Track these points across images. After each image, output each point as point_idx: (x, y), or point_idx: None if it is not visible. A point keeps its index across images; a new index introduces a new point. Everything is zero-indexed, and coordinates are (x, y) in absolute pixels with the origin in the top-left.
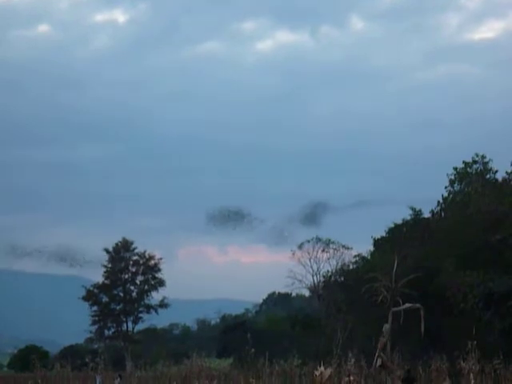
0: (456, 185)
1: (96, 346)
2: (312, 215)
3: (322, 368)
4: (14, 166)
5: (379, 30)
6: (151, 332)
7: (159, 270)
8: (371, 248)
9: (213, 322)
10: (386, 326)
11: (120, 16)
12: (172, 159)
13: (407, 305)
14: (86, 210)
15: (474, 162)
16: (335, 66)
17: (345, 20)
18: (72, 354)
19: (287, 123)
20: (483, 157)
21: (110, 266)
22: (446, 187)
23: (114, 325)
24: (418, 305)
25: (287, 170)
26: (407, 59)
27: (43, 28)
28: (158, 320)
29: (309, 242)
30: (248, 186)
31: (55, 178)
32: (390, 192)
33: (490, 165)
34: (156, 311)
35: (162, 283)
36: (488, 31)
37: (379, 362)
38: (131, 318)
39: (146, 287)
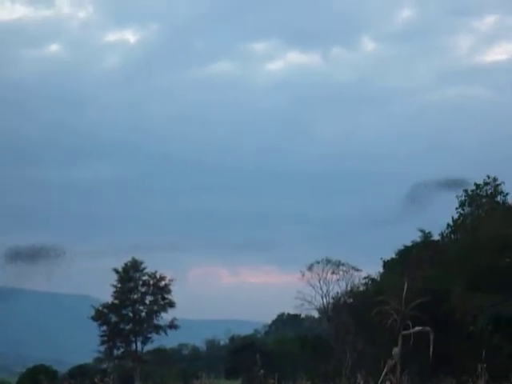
0: (466, 207)
1: (105, 366)
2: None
3: None
4: (23, 186)
5: (390, 51)
6: (160, 352)
7: (169, 291)
8: (381, 269)
9: (222, 343)
10: (396, 350)
11: (131, 36)
12: (180, 179)
13: (417, 328)
14: (92, 229)
15: (486, 183)
16: (346, 88)
17: (356, 41)
18: (81, 374)
19: (297, 145)
20: (495, 179)
21: (119, 285)
22: (456, 208)
23: (123, 345)
24: (427, 328)
25: (293, 192)
26: (418, 80)
27: (54, 47)
28: (168, 340)
29: (318, 263)
30: (256, 208)
31: (60, 198)
32: (398, 213)
33: (502, 187)
34: (165, 332)
35: (171, 304)
36: (500, 53)
37: None
38: (140, 339)
39: (156, 308)
